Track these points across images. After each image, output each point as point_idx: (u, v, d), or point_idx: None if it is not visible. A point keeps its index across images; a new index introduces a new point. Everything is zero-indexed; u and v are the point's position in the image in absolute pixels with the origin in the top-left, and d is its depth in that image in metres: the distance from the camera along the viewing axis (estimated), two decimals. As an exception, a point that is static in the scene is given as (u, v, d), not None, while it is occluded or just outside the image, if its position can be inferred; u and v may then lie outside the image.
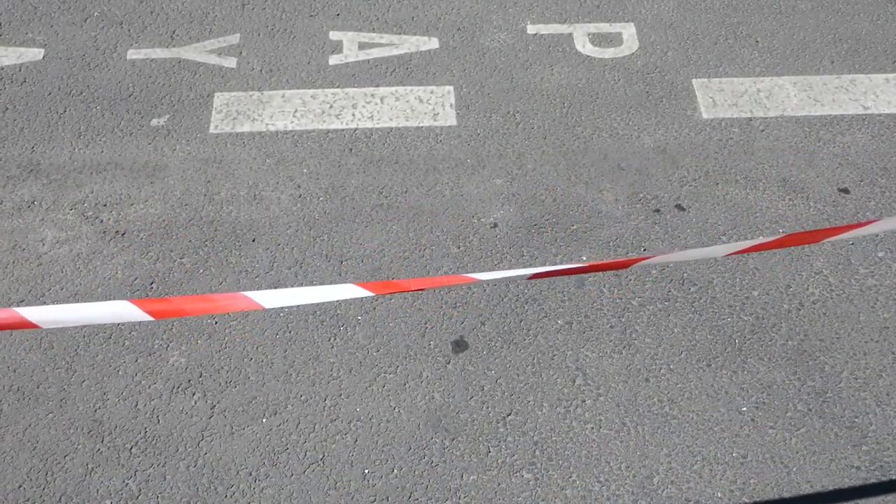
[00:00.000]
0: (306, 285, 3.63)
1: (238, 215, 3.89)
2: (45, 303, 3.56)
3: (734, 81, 4.46)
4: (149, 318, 2.30)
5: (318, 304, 3.56)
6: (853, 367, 3.41)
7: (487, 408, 3.30)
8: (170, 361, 3.41)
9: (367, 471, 3.14)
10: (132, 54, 4.58)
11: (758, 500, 3.07)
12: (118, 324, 3.51)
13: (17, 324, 2.28)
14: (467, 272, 3.67)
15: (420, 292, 3.60)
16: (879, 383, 3.36)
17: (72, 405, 3.30)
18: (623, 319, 3.53)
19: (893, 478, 3.12)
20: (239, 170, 4.07)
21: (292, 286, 3.62)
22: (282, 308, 3.55)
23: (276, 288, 3.62)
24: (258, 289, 3.62)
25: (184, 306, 2.40)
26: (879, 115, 4.31)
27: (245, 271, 3.68)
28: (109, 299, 3.58)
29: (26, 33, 4.68)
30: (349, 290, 2.44)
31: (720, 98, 4.38)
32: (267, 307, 2.38)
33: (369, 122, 4.26)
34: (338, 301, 3.58)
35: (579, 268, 2.50)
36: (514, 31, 4.71)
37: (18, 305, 3.56)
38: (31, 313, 2.30)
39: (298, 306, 3.56)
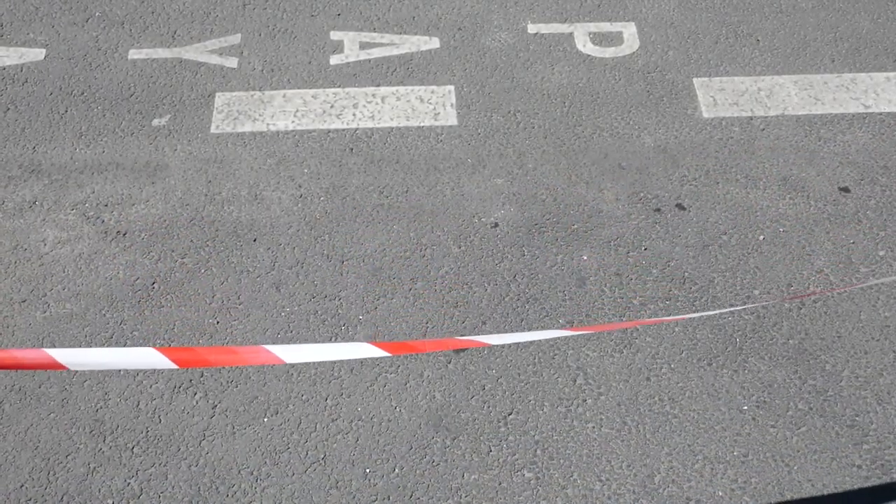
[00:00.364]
0: (307, 285, 3.63)
1: (239, 215, 3.89)
2: (47, 303, 3.57)
3: (735, 80, 4.46)
4: (174, 366, 2.37)
5: (319, 304, 3.57)
6: (854, 366, 3.41)
7: (488, 407, 3.30)
8: (171, 361, 3.41)
9: (368, 470, 3.14)
10: (133, 54, 4.58)
11: (759, 498, 3.08)
12: (117, 314, 3.52)
13: (46, 364, 2.33)
14: (468, 272, 3.68)
15: (420, 292, 3.61)
16: (880, 382, 3.36)
17: (73, 405, 3.30)
18: (624, 319, 3.54)
19: (894, 477, 3.12)
20: (240, 170, 4.07)
21: (293, 286, 3.63)
22: (286, 308, 3.56)
23: (278, 289, 3.62)
24: (259, 288, 3.62)
25: (208, 357, 2.51)
26: (880, 113, 4.31)
27: (246, 271, 3.68)
28: (111, 299, 3.59)
29: (28, 33, 4.69)
30: (366, 350, 2.50)
31: (721, 97, 4.38)
32: (287, 362, 2.44)
33: (370, 122, 4.26)
34: (339, 301, 3.58)
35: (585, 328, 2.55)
36: (514, 31, 4.71)
37: (21, 304, 3.57)
38: (61, 355, 2.36)
39: (303, 310, 3.57)
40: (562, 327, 3.50)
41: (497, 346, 3.45)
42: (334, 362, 3.40)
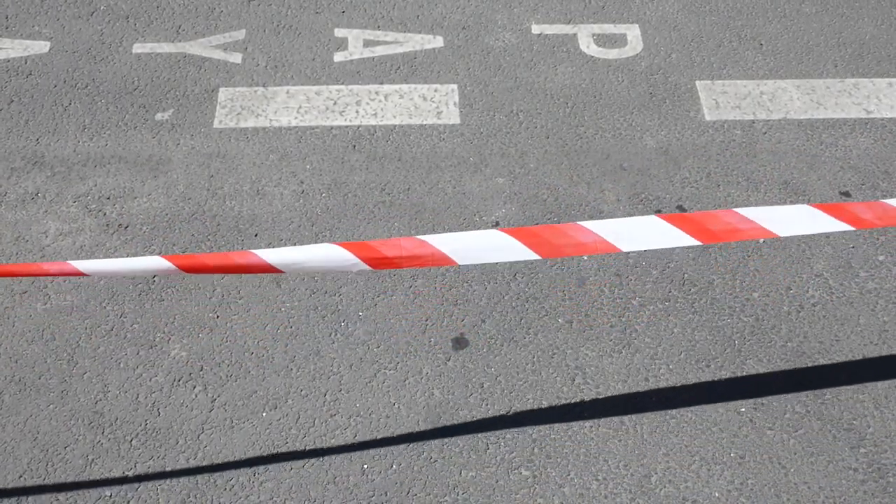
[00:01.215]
0: (308, 281, 3.64)
1: (241, 210, 3.90)
2: (48, 294, 3.58)
3: (737, 84, 4.47)
4: (177, 269, 2.74)
5: (319, 299, 3.58)
6: (852, 370, 3.42)
7: (487, 405, 3.31)
8: (171, 354, 3.42)
9: (366, 466, 3.15)
10: (137, 48, 4.59)
11: (755, 500, 3.08)
12: (117, 307, 3.53)
13: (67, 272, 2.76)
14: (468, 270, 3.69)
15: (420, 289, 3.61)
16: (878, 386, 3.37)
17: (73, 397, 3.31)
18: (623, 319, 3.54)
19: (891, 480, 3.13)
20: (242, 165, 4.08)
21: (294, 281, 3.63)
22: (286, 304, 3.57)
23: (278, 284, 3.63)
24: (260, 283, 3.63)
25: (207, 262, 2.84)
26: (882, 119, 4.31)
27: (247, 266, 3.69)
28: (111, 293, 3.60)
29: (32, 26, 4.70)
30: (338, 254, 2.79)
31: (723, 100, 4.39)
32: (269, 261, 2.74)
33: (373, 120, 4.27)
34: (339, 297, 3.59)
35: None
36: (518, 31, 4.72)
37: (22, 295, 3.58)
38: (83, 265, 2.74)
39: (303, 305, 3.57)
40: (561, 318, 3.51)
41: (496, 343, 3.46)
42: (333, 359, 3.40)
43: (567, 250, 2.82)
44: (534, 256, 2.77)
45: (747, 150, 4.17)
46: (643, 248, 2.89)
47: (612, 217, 3.88)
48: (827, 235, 3.82)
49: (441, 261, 2.75)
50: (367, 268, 2.76)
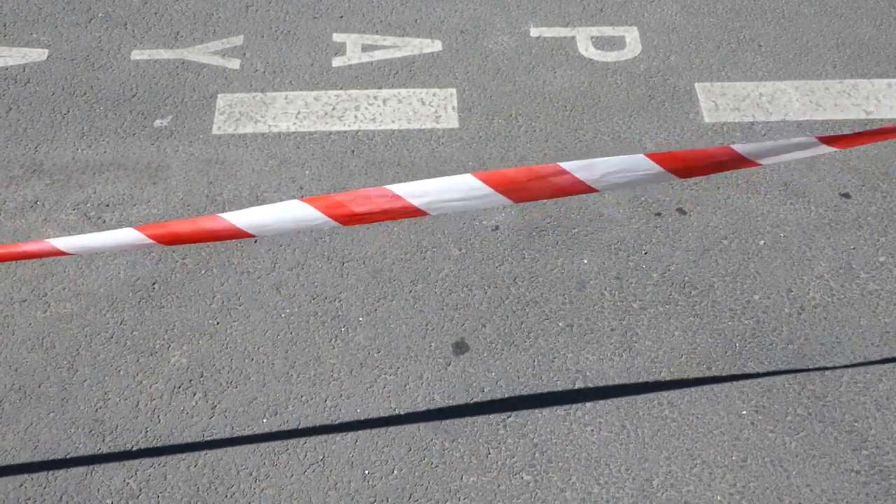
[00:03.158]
0: (308, 286, 3.64)
1: (240, 216, 3.89)
2: (48, 303, 3.57)
3: (736, 86, 4.46)
4: (151, 241, 2.69)
5: (319, 305, 3.57)
6: (853, 372, 3.41)
7: (487, 410, 3.30)
8: (171, 361, 3.42)
9: (367, 471, 3.14)
10: (136, 55, 4.59)
11: (757, 503, 3.08)
12: (117, 315, 3.52)
13: (46, 252, 2.74)
14: (468, 275, 3.68)
15: (420, 294, 3.61)
16: (879, 388, 3.36)
17: (73, 404, 3.31)
18: (624, 322, 3.54)
19: (893, 482, 3.12)
20: (241, 171, 4.08)
21: (294, 287, 3.63)
22: (286, 310, 3.56)
23: (278, 290, 3.63)
24: (259, 290, 3.63)
25: (178, 230, 2.73)
26: (881, 119, 4.31)
27: (247, 272, 3.69)
28: (111, 299, 3.60)
29: (30, 34, 4.70)
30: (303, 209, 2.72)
31: (722, 102, 4.39)
32: (249, 231, 2.70)
33: (372, 124, 4.27)
34: (339, 303, 3.59)
35: None
36: (517, 34, 4.72)
37: (21, 303, 3.58)
38: (62, 243, 2.73)
39: (303, 311, 3.57)
40: (561, 321, 3.50)
41: (497, 348, 3.45)
42: (333, 364, 3.40)
43: (541, 193, 2.78)
44: (507, 202, 2.75)
45: (747, 152, 4.16)
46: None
47: (612, 220, 3.88)
48: (828, 237, 3.82)
49: (412, 213, 2.72)
50: (337, 224, 2.70)
